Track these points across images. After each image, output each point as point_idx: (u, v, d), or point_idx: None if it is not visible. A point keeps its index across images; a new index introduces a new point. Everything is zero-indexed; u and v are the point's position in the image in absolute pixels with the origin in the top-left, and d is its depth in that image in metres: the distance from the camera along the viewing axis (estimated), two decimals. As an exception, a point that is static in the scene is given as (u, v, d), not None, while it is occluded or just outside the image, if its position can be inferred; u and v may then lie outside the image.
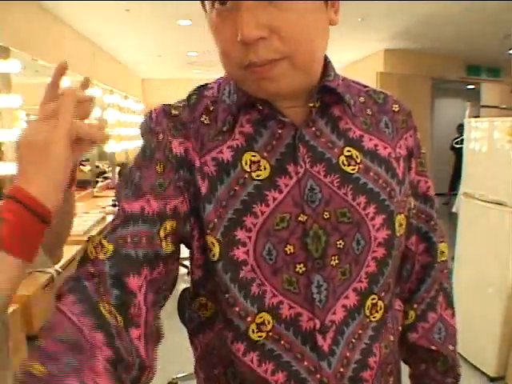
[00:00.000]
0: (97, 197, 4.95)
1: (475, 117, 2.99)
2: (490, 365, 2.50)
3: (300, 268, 0.56)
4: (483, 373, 2.55)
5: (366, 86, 0.68)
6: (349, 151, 0.60)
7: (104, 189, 5.46)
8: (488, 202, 2.55)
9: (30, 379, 0.41)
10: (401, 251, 0.65)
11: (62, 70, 0.63)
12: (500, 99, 5.90)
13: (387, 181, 0.61)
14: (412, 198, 0.68)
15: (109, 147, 5.85)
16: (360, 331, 0.59)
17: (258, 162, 0.57)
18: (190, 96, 0.64)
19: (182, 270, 4.60)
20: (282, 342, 0.57)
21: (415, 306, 0.73)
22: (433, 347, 0.72)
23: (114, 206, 4.30)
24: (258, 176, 0.57)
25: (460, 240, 2.84)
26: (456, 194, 3.42)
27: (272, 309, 0.56)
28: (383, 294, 0.61)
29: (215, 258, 0.57)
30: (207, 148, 0.58)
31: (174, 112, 0.61)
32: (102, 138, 0.56)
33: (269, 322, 0.57)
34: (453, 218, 2.96)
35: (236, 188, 0.57)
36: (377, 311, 0.61)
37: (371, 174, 0.60)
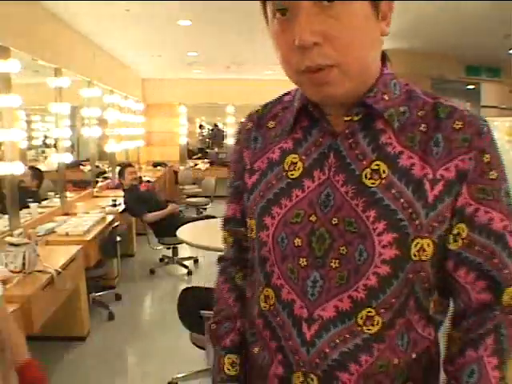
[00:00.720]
0: (97, 197, 4.95)
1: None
2: (490, 365, 2.50)
3: (302, 261, 0.63)
4: (483, 373, 2.54)
5: (436, 98, 0.65)
6: (377, 165, 0.61)
7: (104, 189, 5.46)
8: (488, 201, 2.56)
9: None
10: (426, 277, 0.62)
11: None
12: (500, 99, 5.91)
13: (411, 201, 0.59)
14: (465, 226, 0.61)
15: (109, 147, 5.86)
16: (347, 335, 0.61)
17: (296, 163, 0.67)
18: (267, 104, 0.77)
19: (182, 270, 4.60)
20: (278, 319, 0.67)
21: (460, 334, 0.66)
22: (453, 382, 0.64)
23: (114, 205, 4.29)
24: (291, 175, 0.66)
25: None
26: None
27: (275, 288, 0.67)
28: (383, 310, 0.61)
29: (254, 237, 0.71)
30: (267, 149, 0.72)
31: (248, 126, 0.76)
32: None
33: (272, 297, 0.67)
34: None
35: (273, 182, 0.68)
36: (372, 325, 0.61)
37: (393, 191, 0.60)
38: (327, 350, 0.62)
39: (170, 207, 4.40)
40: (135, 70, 7.53)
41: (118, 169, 5.05)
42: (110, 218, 3.80)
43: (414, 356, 0.65)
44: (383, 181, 0.60)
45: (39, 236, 2.95)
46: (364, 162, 0.61)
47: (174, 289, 4.17)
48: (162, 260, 4.77)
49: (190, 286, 2.85)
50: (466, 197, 0.61)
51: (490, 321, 0.63)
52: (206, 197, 6.91)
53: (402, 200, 0.59)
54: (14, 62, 2.96)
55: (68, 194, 4.26)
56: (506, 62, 5.67)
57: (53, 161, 4.20)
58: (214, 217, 4.01)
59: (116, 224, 3.63)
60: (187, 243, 3.17)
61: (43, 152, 4.91)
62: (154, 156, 8.58)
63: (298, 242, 0.63)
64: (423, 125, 0.62)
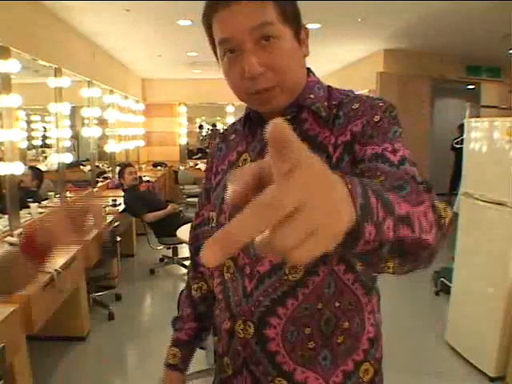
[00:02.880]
0: (97, 197, 4.95)
1: (475, 117, 2.99)
2: (490, 365, 2.50)
3: None
4: (483, 373, 2.54)
5: (350, 92, 0.82)
6: None
7: (104, 189, 5.46)
8: (488, 201, 2.56)
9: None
10: None
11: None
12: (500, 99, 5.90)
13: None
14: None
15: (109, 147, 5.86)
16: (277, 284, 0.75)
17: (246, 159, 0.85)
18: (232, 123, 0.97)
19: (182, 270, 4.60)
20: (235, 282, 0.81)
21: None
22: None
23: (114, 205, 4.30)
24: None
25: (460, 240, 2.84)
26: (456, 194, 3.42)
27: (233, 258, 0.82)
28: None
29: (214, 225, 0.88)
30: (228, 153, 0.91)
31: (217, 140, 0.97)
32: None
33: (231, 267, 0.83)
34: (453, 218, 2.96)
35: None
36: (296, 272, 0.74)
37: None
38: (261, 299, 0.76)
39: (170, 207, 4.40)
40: (135, 70, 7.53)
41: (118, 169, 5.05)
42: (109, 218, 3.80)
43: (337, 304, 0.75)
44: None
45: (39, 236, 2.94)
46: None
47: (174, 289, 4.18)
48: (162, 260, 4.77)
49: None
50: (359, 148, 0.72)
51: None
52: (206, 197, 6.90)
53: None
54: (13, 62, 2.96)
55: (68, 193, 4.27)
56: (506, 61, 5.66)
57: (53, 161, 4.20)
58: (214, 217, 4.00)
59: (116, 224, 3.63)
60: (187, 243, 3.17)
61: (43, 152, 4.91)
62: (154, 156, 8.58)
63: None
64: (335, 109, 0.79)
